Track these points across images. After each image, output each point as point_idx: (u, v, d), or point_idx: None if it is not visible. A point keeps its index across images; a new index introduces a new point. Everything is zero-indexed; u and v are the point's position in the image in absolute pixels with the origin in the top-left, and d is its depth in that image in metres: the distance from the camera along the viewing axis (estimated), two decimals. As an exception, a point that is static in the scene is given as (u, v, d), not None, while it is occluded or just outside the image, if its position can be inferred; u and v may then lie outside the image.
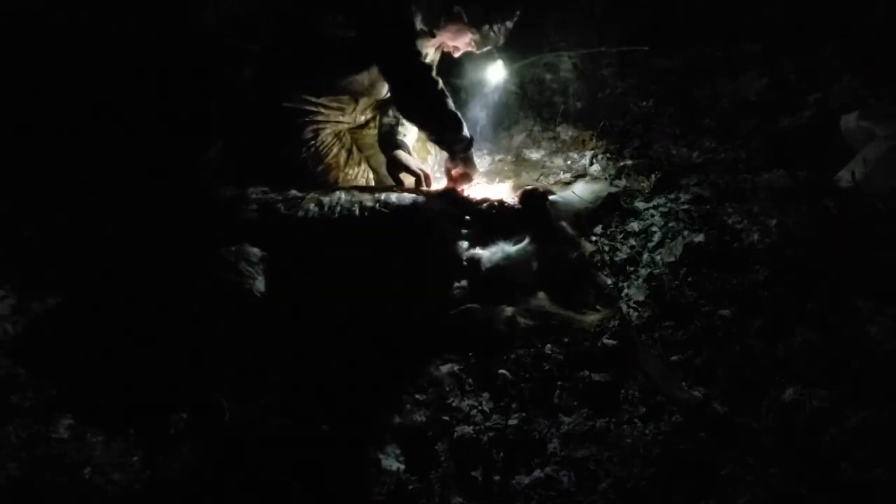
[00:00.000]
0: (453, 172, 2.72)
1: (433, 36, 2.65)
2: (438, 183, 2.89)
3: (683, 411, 1.79)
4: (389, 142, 2.85)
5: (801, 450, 1.63)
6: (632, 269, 2.42)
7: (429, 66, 2.54)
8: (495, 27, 2.60)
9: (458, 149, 2.64)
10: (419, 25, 2.59)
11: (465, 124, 2.60)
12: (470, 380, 2.00)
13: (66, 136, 2.93)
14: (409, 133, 2.86)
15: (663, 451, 1.68)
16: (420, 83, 2.50)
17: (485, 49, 2.73)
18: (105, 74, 3.06)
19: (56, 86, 3.02)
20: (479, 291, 2.28)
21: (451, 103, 2.55)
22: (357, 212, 2.32)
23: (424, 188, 2.73)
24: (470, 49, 2.72)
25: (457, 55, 2.80)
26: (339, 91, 2.63)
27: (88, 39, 3.07)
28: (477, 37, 2.63)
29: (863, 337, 1.92)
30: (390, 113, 2.88)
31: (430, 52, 2.80)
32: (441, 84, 2.52)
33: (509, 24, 2.64)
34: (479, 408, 1.89)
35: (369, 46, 2.50)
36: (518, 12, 2.63)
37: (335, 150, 2.73)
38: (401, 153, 2.79)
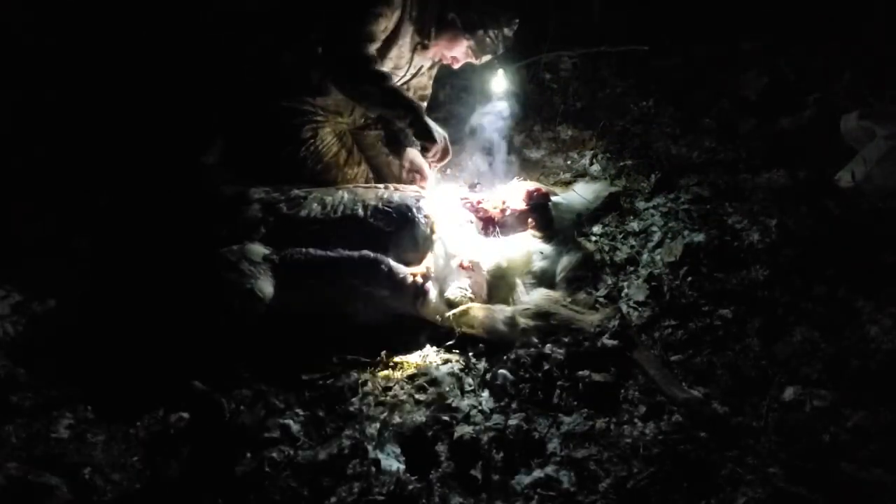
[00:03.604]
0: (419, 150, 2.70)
1: (426, 48, 2.63)
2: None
3: (683, 411, 1.79)
4: (399, 141, 2.85)
5: (801, 450, 1.63)
6: (632, 268, 2.42)
7: (371, 70, 2.42)
8: (491, 33, 2.56)
9: (402, 125, 2.59)
10: (416, 39, 2.57)
11: (410, 104, 2.50)
12: (470, 380, 2.00)
13: (67, 136, 2.93)
14: None
15: (663, 451, 1.68)
16: (358, 80, 2.45)
17: (484, 58, 2.70)
18: (106, 74, 3.06)
19: (56, 85, 3.02)
20: (479, 291, 2.28)
21: (395, 87, 2.48)
22: (360, 211, 2.32)
23: (428, 188, 2.73)
24: (469, 59, 2.69)
25: (456, 66, 2.77)
26: (332, 93, 2.63)
27: (89, 39, 3.07)
28: (473, 44, 2.59)
29: (863, 337, 1.92)
30: None
31: (426, 66, 2.79)
32: (380, 74, 2.43)
33: (507, 32, 2.60)
34: (479, 408, 1.89)
35: (324, 51, 2.48)
36: (517, 20, 2.60)
37: (335, 149, 2.73)
38: (413, 152, 2.79)
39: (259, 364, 2.02)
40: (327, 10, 2.47)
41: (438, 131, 2.56)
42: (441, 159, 2.62)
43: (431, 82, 2.93)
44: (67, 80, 3.04)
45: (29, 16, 3.03)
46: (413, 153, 2.82)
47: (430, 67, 2.84)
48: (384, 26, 2.45)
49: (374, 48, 2.44)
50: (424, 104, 2.94)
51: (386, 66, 2.54)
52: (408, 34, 2.55)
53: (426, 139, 2.55)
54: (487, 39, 2.57)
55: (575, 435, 1.78)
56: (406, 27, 2.52)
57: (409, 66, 2.68)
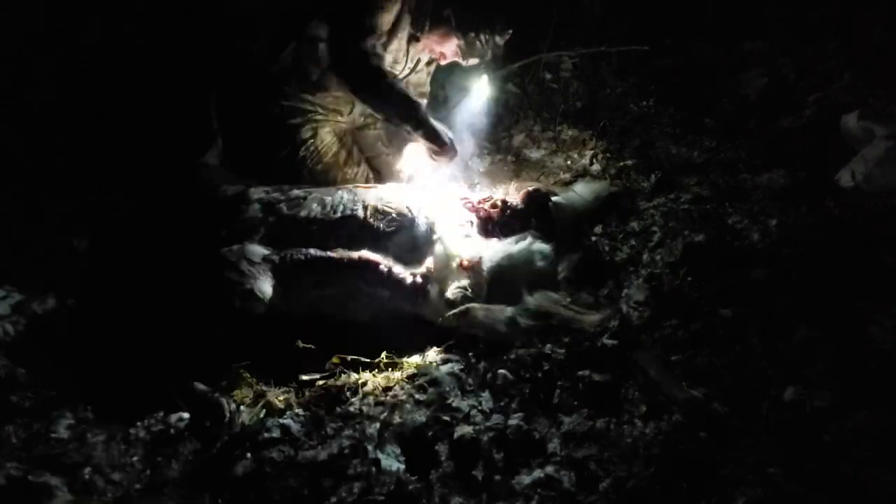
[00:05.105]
0: (424, 151, 2.71)
1: (417, 40, 2.65)
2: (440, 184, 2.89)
3: (683, 411, 1.79)
4: (402, 138, 2.87)
5: (801, 450, 1.63)
6: (632, 269, 2.42)
7: (375, 67, 2.48)
8: (482, 37, 2.60)
9: (407, 129, 2.61)
10: (410, 30, 2.59)
11: (417, 106, 2.56)
12: (470, 380, 2.00)
13: (67, 136, 2.93)
14: None
15: (663, 451, 1.68)
16: (363, 77, 2.50)
17: (471, 60, 2.73)
18: (105, 74, 3.06)
19: (57, 84, 3.02)
20: (480, 291, 2.28)
21: (401, 88, 2.53)
22: (359, 211, 2.32)
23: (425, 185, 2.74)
24: (456, 59, 2.72)
25: (443, 62, 2.80)
26: (333, 90, 2.63)
27: (90, 38, 3.07)
28: (462, 44, 2.63)
29: (863, 337, 1.92)
30: None
31: (423, 60, 2.80)
32: (382, 72, 2.49)
33: (498, 39, 2.64)
34: (479, 408, 1.88)
35: (329, 45, 2.53)
36: (509, 30, 2.63)
37: (335, 148, 2.74)
38: (413, 148, 2.82)
39: (259, 364, 2.02)
40: (329, 7, 2.49)
41: (446, 132, 2.59)
42: (450, 159, 2.66)
43: (430, 79, 2.94)
44: (68, 80, 3.04)
45: (30, 15, 3.03)
46: (413, 149, 2.83)
47: (428, 63, 2.85)
48: (387, 20, 2.48)
49: (378, 43, 2.46)
50: (424, 101, 2.95)
51: (385, 61, 2.56)
52: (406, 27, 2.57)
53: (434, 141, 2.58)
54: (477, 43, 2.62)
55: (575, 435, 1.77)
56: (405, 20, 2.54)
57: (407, 60, 2.69)
